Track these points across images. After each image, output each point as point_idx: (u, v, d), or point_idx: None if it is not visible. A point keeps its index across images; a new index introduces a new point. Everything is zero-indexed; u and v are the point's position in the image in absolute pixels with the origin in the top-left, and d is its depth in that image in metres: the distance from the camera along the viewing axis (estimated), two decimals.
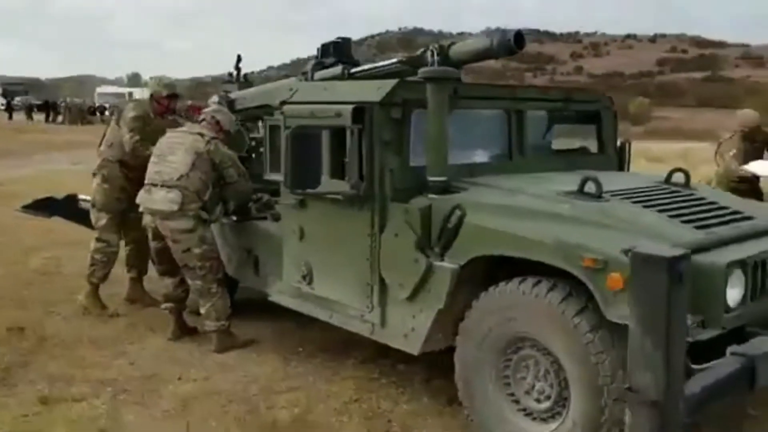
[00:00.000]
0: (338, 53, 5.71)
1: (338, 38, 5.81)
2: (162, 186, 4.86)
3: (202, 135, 4.96)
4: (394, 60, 5.19)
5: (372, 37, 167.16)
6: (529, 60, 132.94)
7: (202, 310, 4.98)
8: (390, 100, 3.89)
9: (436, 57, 4.75)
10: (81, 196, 6.65)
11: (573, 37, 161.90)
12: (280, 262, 4.70)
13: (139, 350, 5.01)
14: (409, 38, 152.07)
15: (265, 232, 5.01)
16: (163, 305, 5.23)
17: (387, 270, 3.89)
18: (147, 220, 4.98)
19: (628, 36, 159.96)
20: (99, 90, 60.01)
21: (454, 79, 4.00)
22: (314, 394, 4.30)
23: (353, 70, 5.34)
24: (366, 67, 5.34)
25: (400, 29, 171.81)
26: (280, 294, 4.74)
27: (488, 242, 3.48)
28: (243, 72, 6.75)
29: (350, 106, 3.88)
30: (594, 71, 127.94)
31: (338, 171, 3.98)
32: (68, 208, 6.72)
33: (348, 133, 3.87)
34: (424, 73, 3.87)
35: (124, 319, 5.66)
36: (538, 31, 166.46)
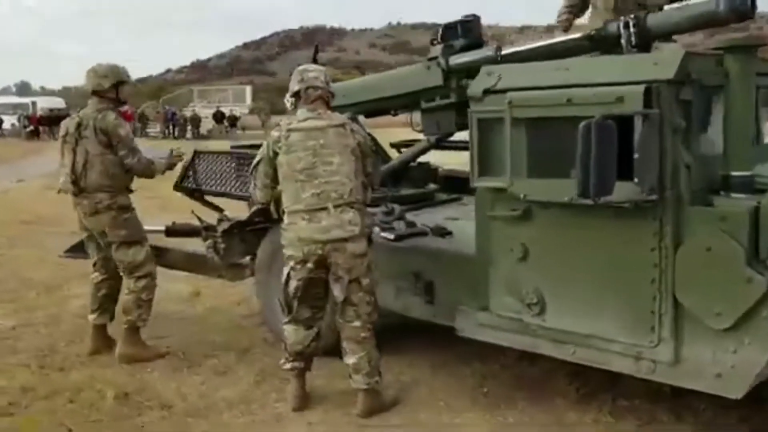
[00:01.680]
0: (467, 33, 4.84)
1: (466, 16, 4.94)
2: (335, 208, 3.73)
3: (343, 125, 3.88)
4: (567, 37, 4.34)
5: (277, 34, 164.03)
6: None
7: (351, 360, 3.85)
8: (680, 78, 3.05)
9: (631, 29, 3.96)
10: None
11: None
12: (472, 288, 3.78)
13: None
14: (312, 35, 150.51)
15: (441, 252, 4.05)
16: (289, 365, 3.98)
17: (690, 294, 3.05)
18: (307, 249, 3.76)
19: (524, 27, 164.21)
20: None
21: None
22: None
23: (506, 51, 4.48)
24: (523, 48, 4.48)
25: (302, 27, 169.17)
26: (481, 327, 3.79)
27: None
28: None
29: (639, 87, 3.00)
30: None
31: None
32: None
33: (638, 121, 2.99)
34: (724, 43, 3.05)
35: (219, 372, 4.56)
36: (437, 24, 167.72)
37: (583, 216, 3.28)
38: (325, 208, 3.71)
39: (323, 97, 3.95)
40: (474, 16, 4.92)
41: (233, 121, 37.13)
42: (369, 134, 4.20)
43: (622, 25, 4.01)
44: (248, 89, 44.51)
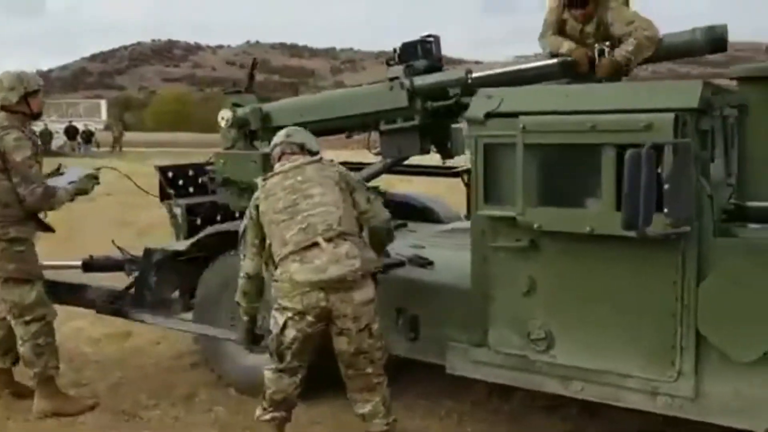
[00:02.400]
0: (427, 54, 4.66)
1: (425, 36, 4.75)
2: (327, 241, 3.33)
3: (320, 160, 3.63)
4: (541, 63, 4.24)
5: (125, 48, 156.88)
6: (292, 74, 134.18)
7: (365, 409, 3.45)
8: (703, 107, 3.00)
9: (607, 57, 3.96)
10: None
11: (330, 53, 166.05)
12: (465, 323, 3.57)
13: None
14: (164, 49, 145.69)
15: (427, 285, 3.80)
16: (269, 415, 3.49)
17: (714, 327, 2.99)
18: (307, 302, 3.29)
19: (381, 53, 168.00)
20: None
21: None
22: None
23: (476, 74, 4.33)
24: (494, 71, 4.34)
25: (153, 41, 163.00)
26: (475, 365, 3.56)
27: None
28: None
29: (669, 115, 2.92)
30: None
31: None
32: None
33: (668, 150, 2.90)
34: (745, 72, 3.06)
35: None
36: (296, 46, 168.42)
37: (598, 247, 3.15)
38: (316, 244, 3.32)
39: (285, 152, 3.71)
40: (433, 36, 4.74)
41: (88, 136, 34.78)
42: None
43: (597, 53, 3.99)
44: (103, 103, 42.07)
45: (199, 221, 5.13)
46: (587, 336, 3.26)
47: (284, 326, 3.35)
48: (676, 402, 3.12)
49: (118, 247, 5.01)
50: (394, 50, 4.73)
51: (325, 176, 3.52)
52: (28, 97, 4.14)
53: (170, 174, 5.28)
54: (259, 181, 3.65)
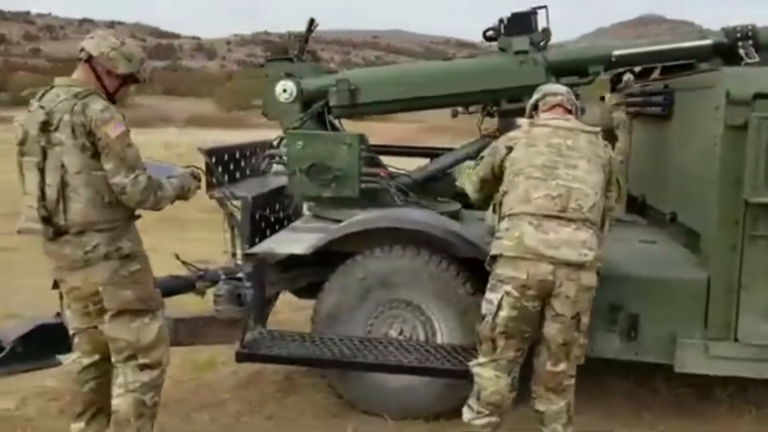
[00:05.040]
0: (534, 27, 4.30)
1: (535, 7, 4.33)
2: (569, 221, 2.95)
3: (596, 134, 3.17)
4: (691, 43, 4.13)
5: None
6: None
7: (549, 408, 3.11)
8: None
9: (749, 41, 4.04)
10: None
11: (24, 17, 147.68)
12: (701, 317, 3.38)
13: None
14: None
15: (651, 280, 3.49)
16: (484, 420, 3.06)
17: None
18: (532, 271, 2.91)
19: (85, 20, 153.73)
20: None
21: None
22: None
23: (619, 52, 4.12)
24: (639, 50, 4.16)
25: None
26: (715, 360, 3.38)
27: None
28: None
29: None
30: (53, 54, 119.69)
31: None
32: None
33: None
34: None
35: None
36: None
37: None
38: (558, 218, 2.94)
39: (563, 104, 3.27)
40: (544, 6, 4.33)
41: None
42: None
43: (739, 36, 4.03)
44: None
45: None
46: None
47: (499, 305, 2.97)
48: None
49: (184, 263, 3.89)
50: (500, 20, 4.27)
51: (595, 153, 3.10)
52: (127, 79, 2.98)
53: (221, 157, 4.20)
54: (523, 122, 3.23)
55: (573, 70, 4.11)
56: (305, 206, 4.46)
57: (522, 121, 3.26)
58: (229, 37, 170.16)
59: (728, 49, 4.06)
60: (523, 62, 4.08)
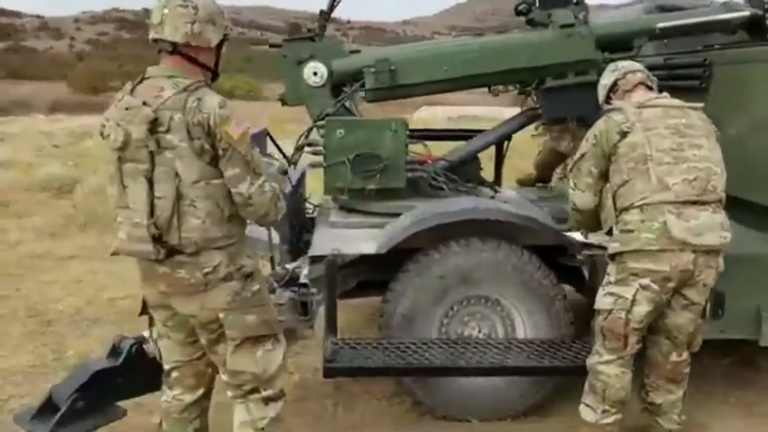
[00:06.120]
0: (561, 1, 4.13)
1: None
2: (706, 204, 2.83)
3: (701, 109, 3.04)
4: (736, 14, 4.09)
5: None
6: None
7: (664, 399, 3.09)
8: None
9: None
10: None
11: None
12: None
13: None
14: None
15: (736, 257, 3.43)
16: (611, 418, 2.98)
17: None
18: (675, 263, 2.78)
19: None
20: None
21: None
22: None
23: (663, 24, 4.05)
24: (683, 22, 4.12)
25: None
26: None
27: None
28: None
29: None
30: None
31: None
32: None
33: None
34: None
35: None
36: None
37: None
38: (697, 203, 2.81)
39: (645, 82, 3.14)
40: None
41: None
42: None
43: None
44: None
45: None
46: None
47: (634, 300, 2.84)
48: None
49: None
50: None
51: (710, 129, 2.98)
52: (221, 46, 2.49)
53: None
54: (627, 107, 2.98)
55: (618, 43, 3.97)
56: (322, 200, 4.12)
57: (623, 104, 3.03)
58: (77, 14, 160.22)
59: (759, 21, 4.08)
60: (570, 36, 3.89)
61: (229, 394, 2.56)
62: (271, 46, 4.16)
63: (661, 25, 3.99)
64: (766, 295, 3.42)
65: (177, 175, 2.25)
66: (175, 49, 2.35)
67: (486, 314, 3.47)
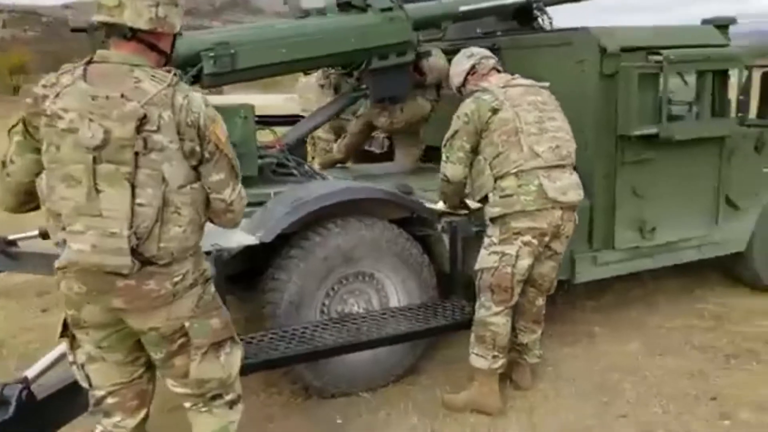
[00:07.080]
0: None
1: None
2: (565, 167, 3.33)
3: (547, 88, 3.51)
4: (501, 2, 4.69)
5: None
6: None
7: (530, 338, 3.61)
8: None
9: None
10: None
11: None
12: (588, 235, 4.11)
13: None
14: None
15: None
16: (501, 362, 3.38)
17: None
18: (554, 217, 3.25)
19: None
20: None
21: None
22: None
23: (465, 8, 4.52)
24: (481, 6, 4.61)
25: None
26: (600, 267, 4.13)
27: None
28: None
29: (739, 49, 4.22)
30: None
31: None
32: None
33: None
34: None
35: None
36: None
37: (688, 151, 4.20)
38: (559, 167, 3.32)
39: (496, 66, 3.58)
40: None
41: None
42: None
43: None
44: None
45: None
46: (674, 219, 4.30)
47: (518, 255, 3.28)
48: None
49: None
50: None
51: (557, 104, 3.47)
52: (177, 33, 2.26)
53: None
54: (493, 87, 3.34)
55: (429, 24, 4.32)
56: None
57: (488, 85, 3.38)
58: None
59: (527, 9, 4.77)
60: (392, 19, 4.12)
61: (188, 405, 2.36)
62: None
63: (462, 8, 4.42)
64: (578, 240, 4.07)
65: (164, 179, 2.01)
66: (134, 34, 2.08)
67: (363, 289, 3.60)
